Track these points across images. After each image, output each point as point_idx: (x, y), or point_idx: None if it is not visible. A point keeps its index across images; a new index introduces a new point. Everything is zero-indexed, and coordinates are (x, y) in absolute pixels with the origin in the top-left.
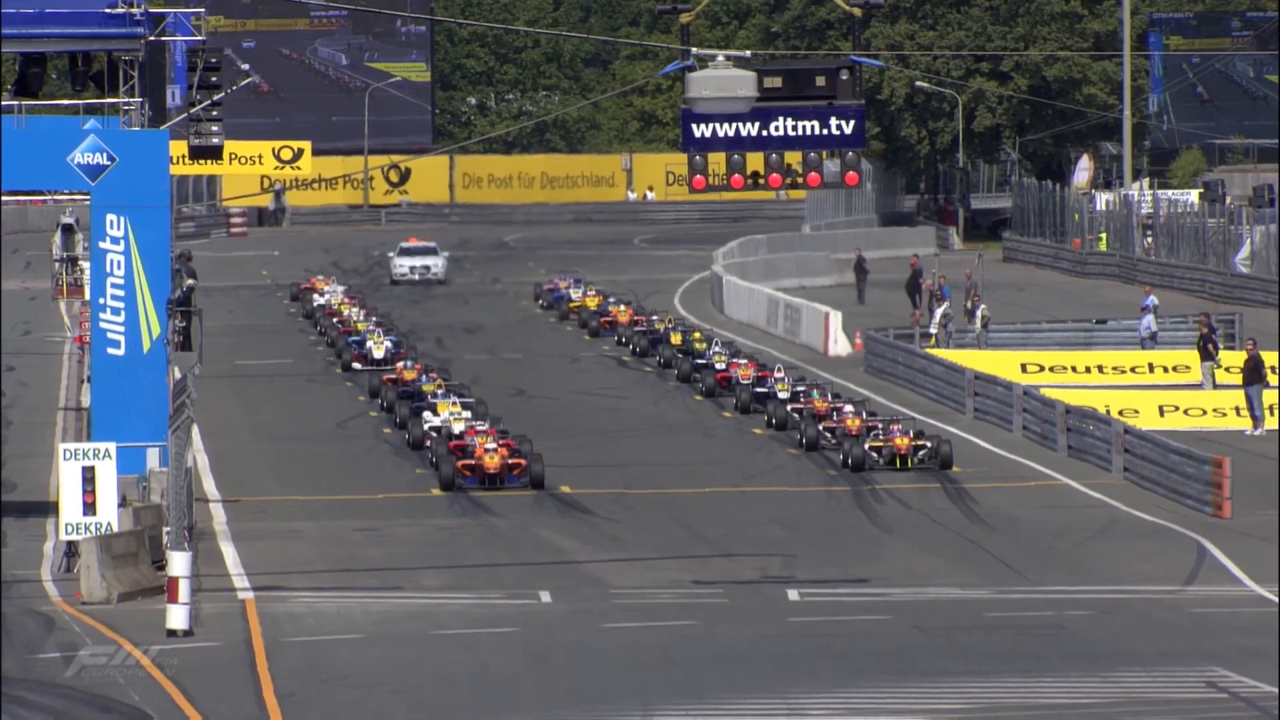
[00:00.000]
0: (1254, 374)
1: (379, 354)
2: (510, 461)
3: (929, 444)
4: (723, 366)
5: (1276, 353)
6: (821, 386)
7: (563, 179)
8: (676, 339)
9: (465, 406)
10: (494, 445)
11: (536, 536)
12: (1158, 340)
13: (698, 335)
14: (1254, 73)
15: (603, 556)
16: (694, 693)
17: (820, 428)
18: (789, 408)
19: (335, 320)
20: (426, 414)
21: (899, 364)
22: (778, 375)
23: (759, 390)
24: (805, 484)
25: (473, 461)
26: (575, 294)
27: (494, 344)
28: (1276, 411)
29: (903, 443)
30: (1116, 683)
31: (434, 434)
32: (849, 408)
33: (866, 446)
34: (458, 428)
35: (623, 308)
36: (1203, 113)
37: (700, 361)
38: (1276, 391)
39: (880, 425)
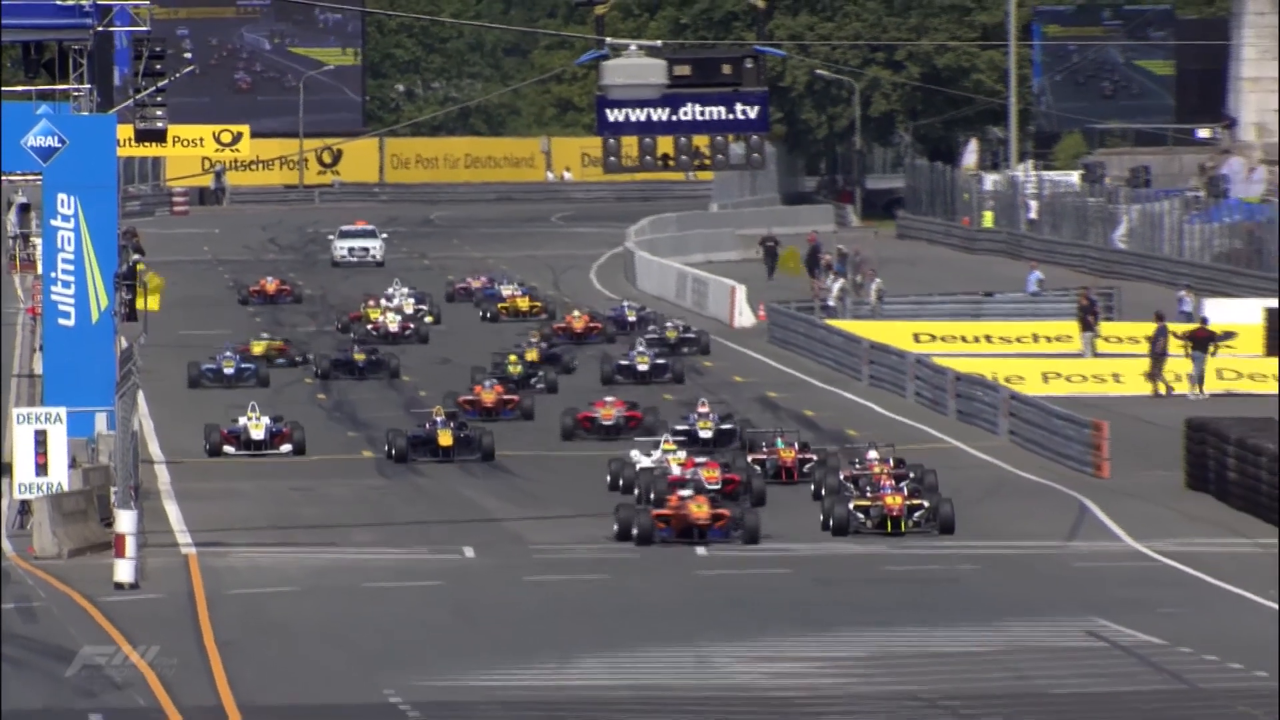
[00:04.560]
0: (1202, 344)
1: (257, 434)
2: (716, 512)
3: (925, 503)
4: (645, 368)
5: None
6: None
7: (485, 160)
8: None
9: (680, 446)
10: (690, 493)
11: (460, 496)
12: (1041, 290)
13: (513, 358)
14: (1123, 58)
15: (523, 514)
16: (609, 643)
17: (841, 477)
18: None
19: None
20: (634, 453)
21: (800, 334)
22: (701, 410)
23: (679, 428)
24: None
25: (669, 511)
26: (506, 291)
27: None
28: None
29: (895, 502)
30: (1004, 631)
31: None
32: (873, 453)
33: (851, 506)
34: (675, 469)
35: (576, 313)
36: (1079, 94)
37: (623, 363)
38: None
39: (911, 474)
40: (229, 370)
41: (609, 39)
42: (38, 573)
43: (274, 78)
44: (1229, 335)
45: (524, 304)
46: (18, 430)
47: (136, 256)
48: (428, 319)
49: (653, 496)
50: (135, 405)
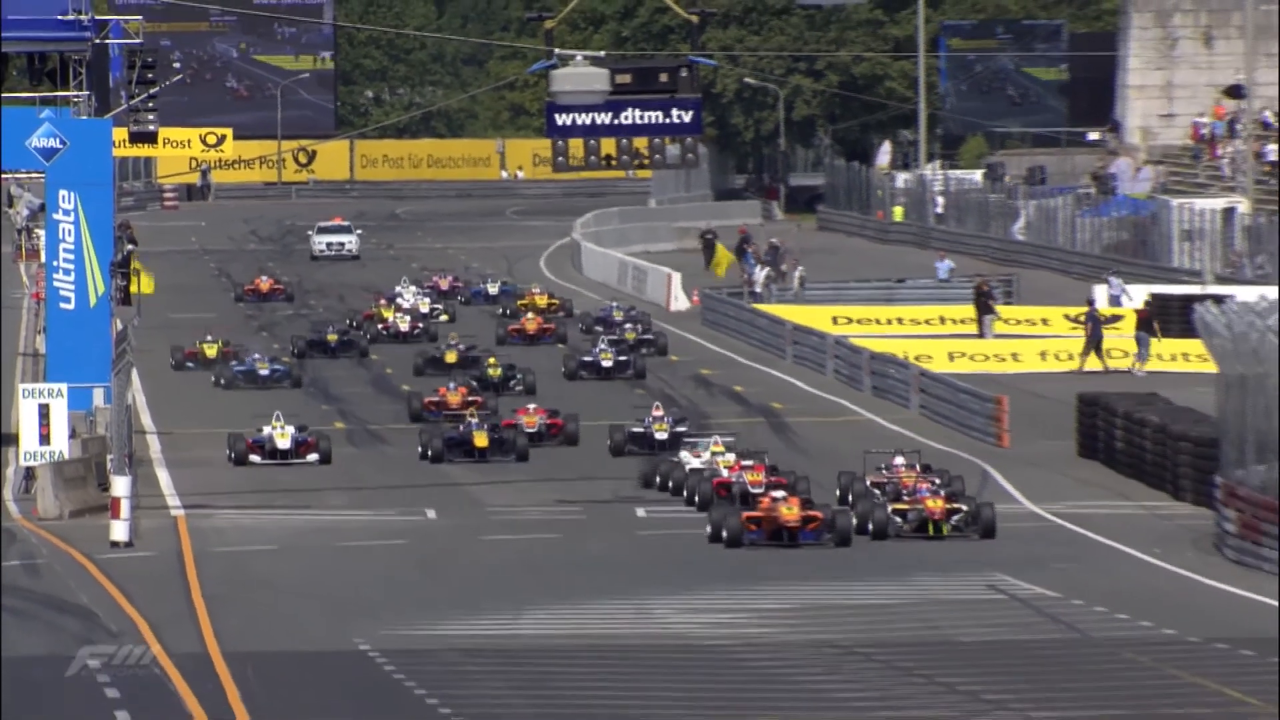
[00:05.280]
0: (1146, 325)
1: (283, 443)
2: (808, 514)
3: (964, 507)
4: (609, 365)
5: None
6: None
7: (446, 160)
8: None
9: (729, 448)
10: (782, 495)
11: (424, 463)
12: (951, 278)
13: (492, 360)
14: (1015, 66)
15: (480, 479)
16: (557, 595)
17: (868, 483)
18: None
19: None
20: (684, 454)
21: (730, 317)
22: (655, 414)
23: (635, 431)
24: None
25: (760, 514)
26: (492, 289)
27: None
28: None
29: (936, 505)
30: (914, 586)
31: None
32: (900, 459)
33: (890, 510)
34: (724, 471)
35: (530, 314)
36: (982, 101)
37: (587, 359)
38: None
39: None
40: (263, 372)
41: (557, 50)
42: (41, 532)
43: (251, 84)
44: (1117, 319)
45: (542, 301)
46: (23, 404)
47: (130, 247)
48: (442, 317)
49: (697, 495)
50: (129, 381)
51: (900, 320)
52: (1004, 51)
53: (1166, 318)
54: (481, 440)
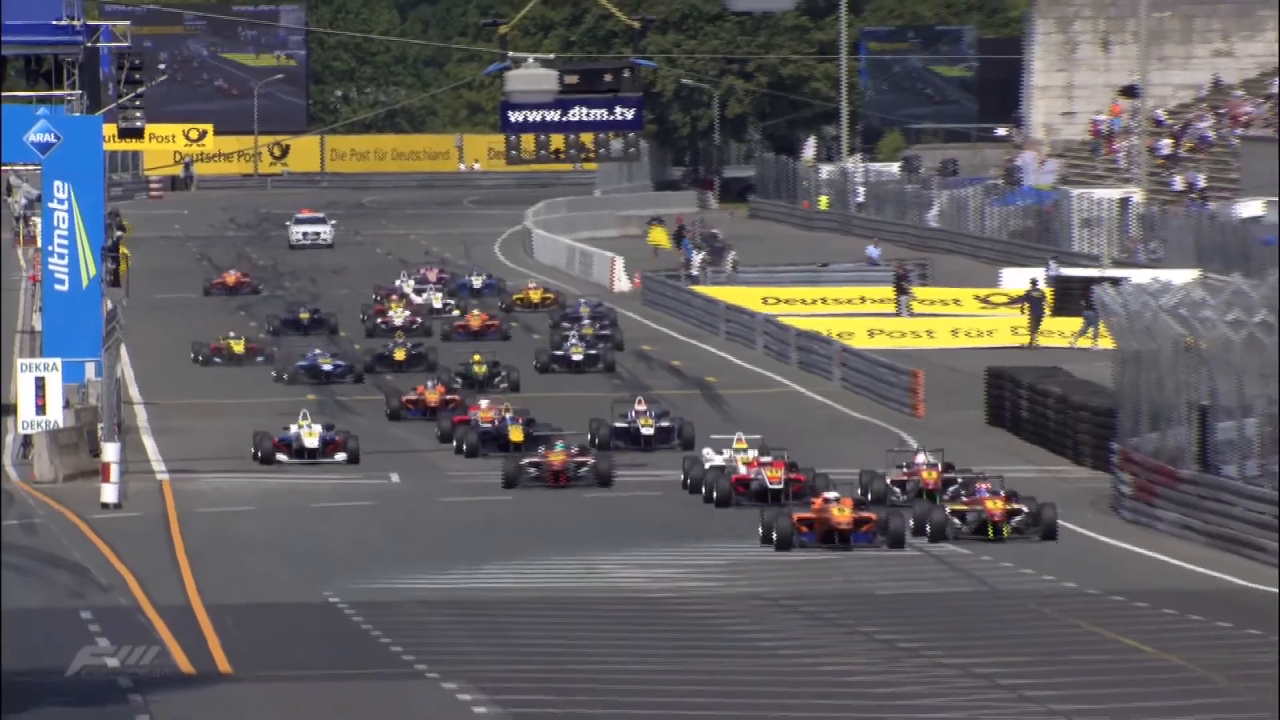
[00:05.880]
0: (1091, 304)
1: (311, 442)
2: (861, 515)
3: (1024, 509)
4: (579, 358)
5: None
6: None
7: (408, 154)
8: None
9: (752, 444)
10: (835, 496)
11: (388, 432)
12: (878, 263)
13: (477, 357)
14: (923, 65)
15: (439, 447)
16: (511, 553)
17: (888, 480)
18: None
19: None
20: (707, 450)
21: (669, 297)
22: (639, 408)
23: (619, 426)
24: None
25: (812, 515)
26: (477, 282)
27: (355, 282)
28: None
29: (996, 506)
30: (850, 551)
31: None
32: (921, 457)
33: (948, 511)
34: (742, 468)
35: (476, 311)
36: (899, 98)
37: (558, 353)
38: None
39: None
40: (326, 367)
41: (511, 53)
42: (37, 495)
43: (229, 82)
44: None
45: (536, 296)
46: (21, 377)
47: (119, 233)
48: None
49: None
50: (119, 356)
51: (824, 300)
52: (918, 54)
53: (1069, 298)
54: (517, 435)
